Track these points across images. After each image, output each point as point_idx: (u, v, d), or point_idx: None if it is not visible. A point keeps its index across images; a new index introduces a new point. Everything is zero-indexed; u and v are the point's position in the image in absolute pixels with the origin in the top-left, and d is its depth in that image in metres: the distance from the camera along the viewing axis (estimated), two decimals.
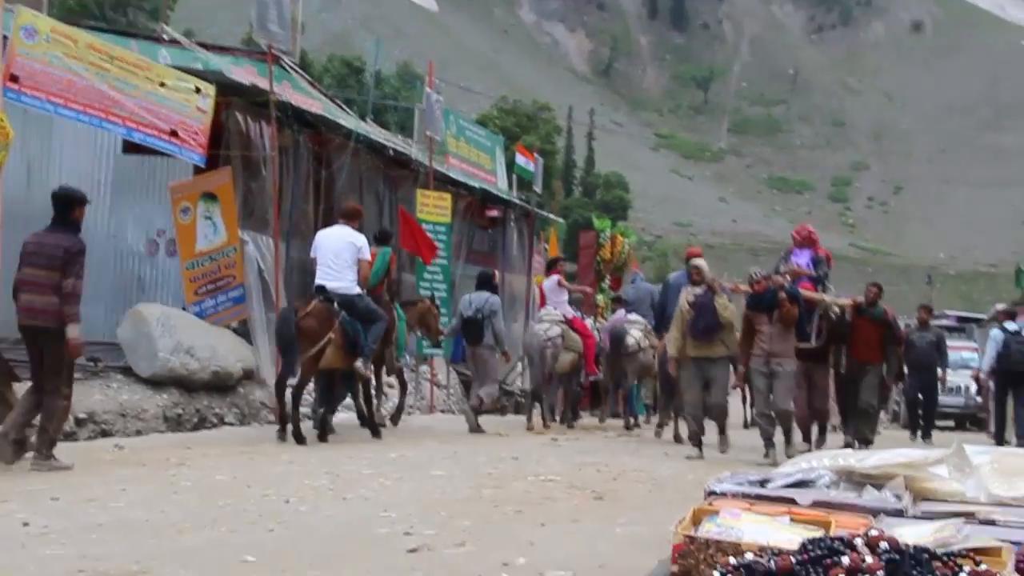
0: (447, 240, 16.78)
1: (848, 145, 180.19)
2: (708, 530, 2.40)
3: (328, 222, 15.12)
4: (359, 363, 11.13)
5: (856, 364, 12.84)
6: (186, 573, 4.67)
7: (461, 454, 10.21)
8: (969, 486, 3.00)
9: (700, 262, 11.94)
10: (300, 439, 10.37)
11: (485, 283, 14.02)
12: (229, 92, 13.26)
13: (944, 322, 34.77)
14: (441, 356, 17.18)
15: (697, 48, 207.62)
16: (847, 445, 12.53)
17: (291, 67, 17.20)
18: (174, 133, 11.91)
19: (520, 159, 22.92)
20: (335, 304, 10.88)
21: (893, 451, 3.09)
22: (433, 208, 16.49)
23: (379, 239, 12.30)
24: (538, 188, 24.61)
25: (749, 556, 2.00)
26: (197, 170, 12.83)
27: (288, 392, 10.69)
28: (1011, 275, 38.65)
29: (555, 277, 15.09)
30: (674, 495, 7.74)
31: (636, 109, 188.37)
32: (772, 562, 1.95)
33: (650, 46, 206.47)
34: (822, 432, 12.94)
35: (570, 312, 15.01)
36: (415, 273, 16.72)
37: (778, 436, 11.47)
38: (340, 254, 11.06)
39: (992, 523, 2.58)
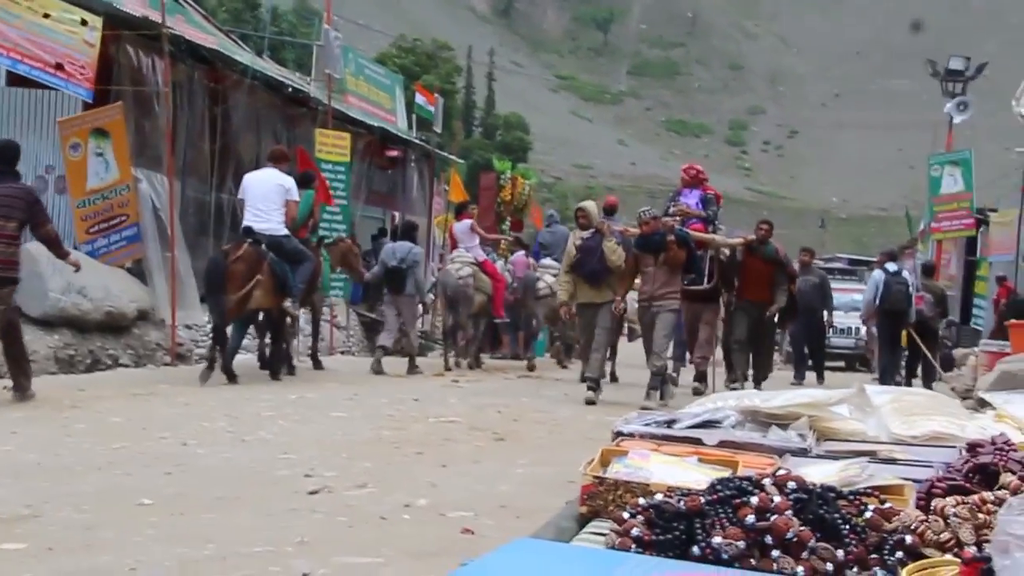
0: (346, 181, 16.57)
1: (745, 89, 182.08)
2: (617, 471, 2.39)
3: (224, 160, 14.84)
4: (288, 303, 11.39)
5: (747, 303, 12.70)
6: (80, 517, 4.56)
7: (362, 396, 10.15)
8: (870, 425, 3.05)
9: (587, 204, 11.83)
10: (231, 377, 10.61)
11: (409, 233, 14.44)
12: (119, 25, 12.87)
13: (836, 265, 35.51)
14: (341, 297, 17.10)
15: None
16: (732, 383, 12.52)
17: (184, 0, 16.78)
18: (59, 66, 11.49)
19: (420, 99, 22.71)
20: (263, 246, 11.02)
21: (797, 391, 3.14)
22: (332, 148, 16.25)
23: (302, 182, 12.23)
24: (438, 128, 24.46)
25: (658, 497, 1.99)
26: (86, 105, 12.43)
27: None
28: (901, 218, 39.55)
29: (468, 222, 15.33)
30: (574, 436, 7.80)
31: (536, 50, 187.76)
32: (681, 503, 1.95)
33: None
34: (702, 364, 12.73)
35: (481, 255, 15.19)
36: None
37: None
38: (268, 196, 11.22)
39: (893, 461, 2.62)
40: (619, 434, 2.80)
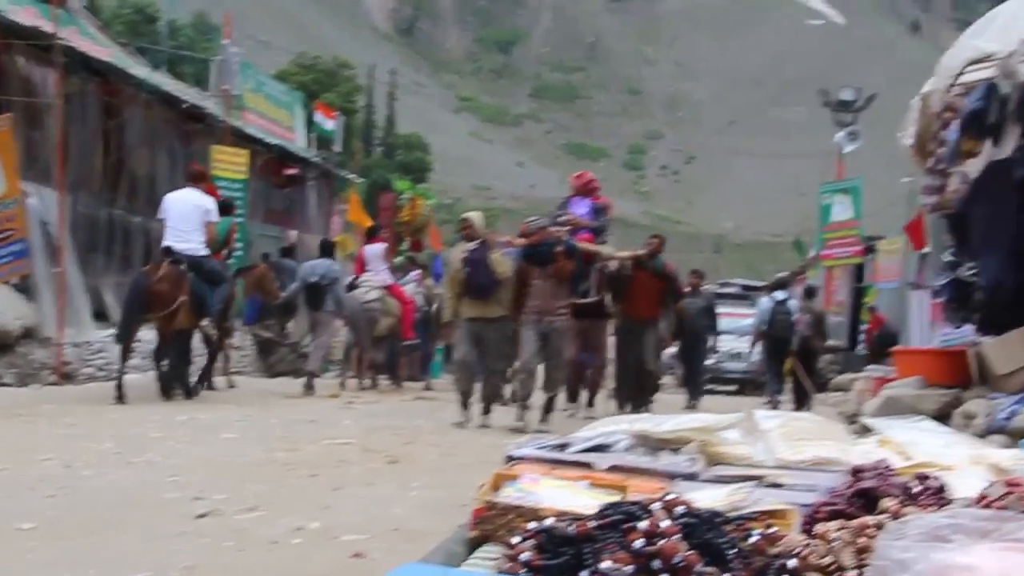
0: (243, 198, 16.40)
1: (644, 114, 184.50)
2: (508, 495, 2.40)
3: (118, 175, 14.59)
4: (206, 323, 11.81)
5: (633, 321, 12.11)
6: None
7: (254, 417, 10.02)
8: (758, 450, 3.10)
9: (472, 215, 11.18)
10: (122, 399, 10.53)
11: (327, 250, 14.65)
12: (9, 34, 12.64)
13: (730, 290, 36.08)
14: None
15: (500, 11, 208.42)
16: (619, 407, 12.04)
17: (78, 11, 16.49)
18: None
19: (319, 117, 22.61)
20: (183, 266, 11.09)
21: (688, 416, 3.17)
22: (229, 164, 16.09)
23: (223, 209, 12.24)
24: (338, 147, 24.37)
25: (548, 521, 2.00)
26: None
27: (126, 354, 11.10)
28: (792, 245, 40.35)
29: (382, 245, 15.74)
30: (468, 459, 7.78)
31: (438, 70, 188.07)
32: (571, 527, 1.95)
33: (453, 7, 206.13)
34: (592, 394, 12.46)
35: (389, 279, 15.23)
36: None
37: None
38: (188, 217, 11.29)
39: (779, 486, 2.67)
40: (511, 458, 2.80)
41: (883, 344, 18.25)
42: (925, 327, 15.68)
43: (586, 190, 12.32)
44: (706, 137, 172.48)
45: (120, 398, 10.48)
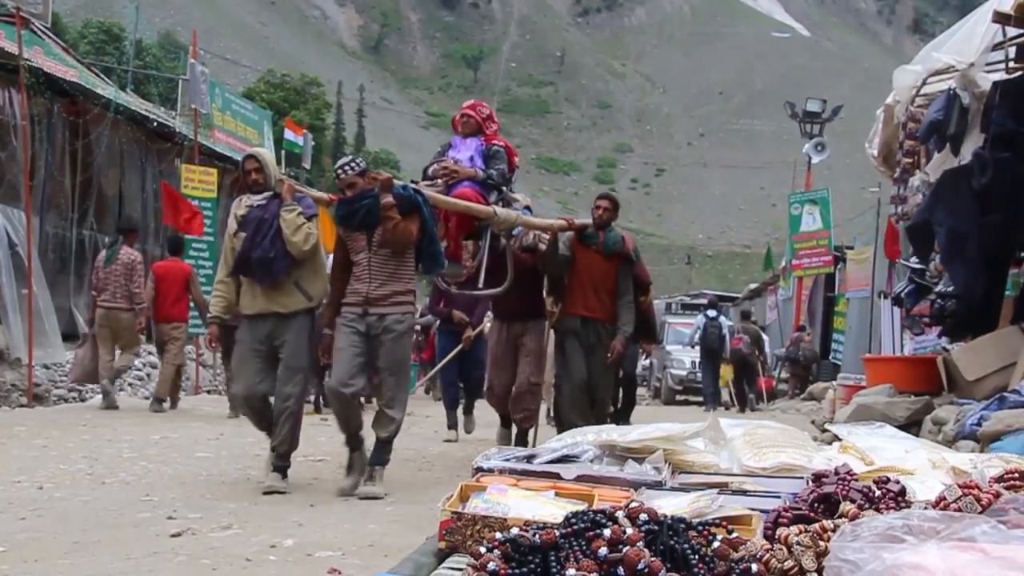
0: (213, 216, 16.38)
1: (613, 127, 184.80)
2: (475, 506, 2.44)
3: (86, 195, 14.59)
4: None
5: (578, 322, 8.65)
6: None
7: (227, 435, 10.00)
8: (723, 458, 3.15)
9: (260, 151, 7.81)
10: None
11: None
12: None
13: (702, 301, 36.24)
14: (203, 334, 16.85)
15: (467, 27, 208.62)
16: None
17: (43, 31, 16.44)
18: None
19: (289, 134, 22.61)
20: None
21: (653, 425, 3.22)
22: (198, 183, 16.06)
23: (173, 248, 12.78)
24: (307, 164, 24.35)
25: (515, 531, 2.03)
26: None
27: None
28: (763, 255, 40.58)
29: None
30: (443, 473, 7.81)
31: (406, 87, 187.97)
32: (537, 536, 1.99)
33: (420, 23, 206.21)
34: (526, 421, 9.06)
35: None
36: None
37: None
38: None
39: (744, 493, 2.71)
40: (479, 469, 2.84)
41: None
42: (896, 335, 15.81)
43: (471, 127, 8.68)
44: (676, 150, 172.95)
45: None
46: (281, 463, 6.98)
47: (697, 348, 22.61)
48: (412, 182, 7.70)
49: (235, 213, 7.23)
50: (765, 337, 24.91)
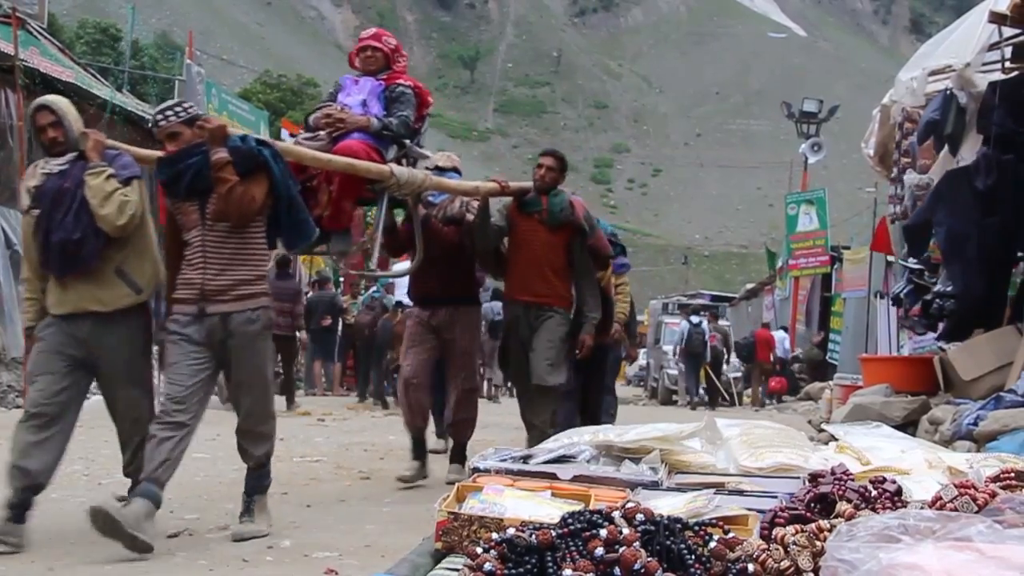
0: None
1: (610, 128, 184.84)
2: (472, 506, 2.44)
3: None
4: None
5: (521, 307, 7.24)
6: None
7: (224, 436, 9.97)
8: (720, 458, 3.15)
9: (54, 98, 5.64)
10: None
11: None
12: None
13: (699, 301, 36.29)
14: None
15: (463, 27, 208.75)
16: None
17: (39, 32, 16.43)
18: None
19: (286, 135, 22.56)
20: None
21: (650, 426, 3.22)
22: None
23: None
24: None
25: (511, 531, 2.03)
26: None
27: None
28: (760, 255, 40.65)
29: None
30: (440, 474, 7.82)
31: None
32: (533, 536, 1.99)
33: (416, 24, 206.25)
34: (459, 448, 7.61)
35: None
36: None
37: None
38: None
39: (740, 493, 2.72)
40: (476, 470, 2.84)
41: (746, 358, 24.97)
42: (892, 335, 15.83)
43: (376, 63, 7.09)
44: (672, 150, 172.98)
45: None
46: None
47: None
48: (307, 128, 6.81)
49: (27, 185, 5.34)
50: (731, 337, 26.39)
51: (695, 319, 23.75)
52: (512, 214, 7.28)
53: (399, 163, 6.80)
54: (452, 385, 7.50)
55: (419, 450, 7.48)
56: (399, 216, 7.78)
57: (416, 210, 7.19)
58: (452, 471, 7.40)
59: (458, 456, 7.57)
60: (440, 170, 7.31)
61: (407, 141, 6.92)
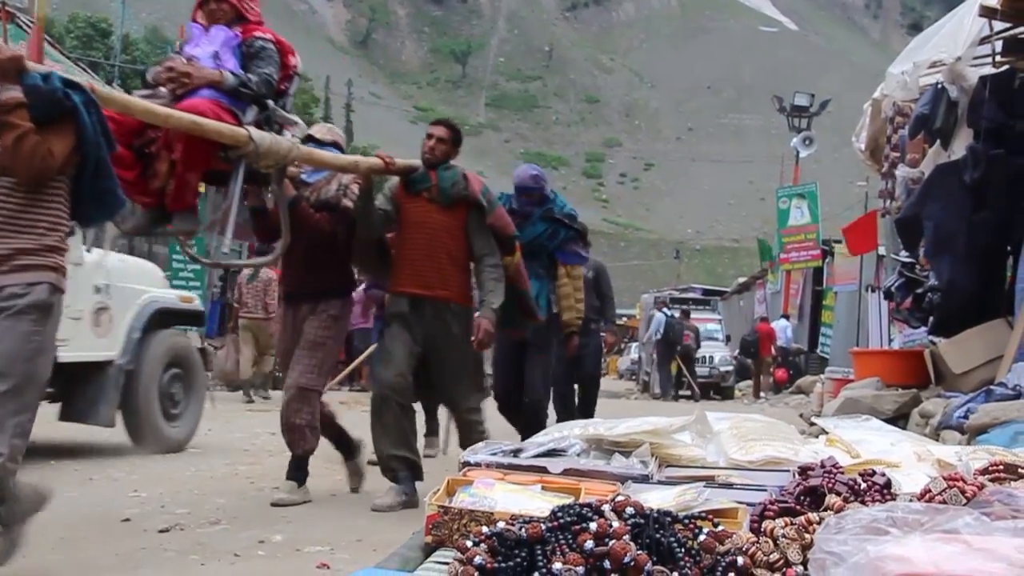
0: (203, 210, 16.41)
1: (601, 122, 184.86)
2: (462, 500, 2.44)
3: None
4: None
5: (407, 301, 6.19)
6: None
7: (216, 431, 9.99)
8: (710, 451, 3.16)
9: None
10: None
11: None
12: None
13: (691, 295, 36.33)
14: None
15: (455, 22, 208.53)
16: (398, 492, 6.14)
17: (29, 26, 16.37)
18: None
19: None
20: None
21: (640, 419, 3.22)
22: None
23: None
24: None
25: (501, 525, 2.04)
26: None
27: None
28: (752, 249, 40.70)
29: None
30: (434, 468, 7.81)
31: (395, 81, 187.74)
32: (523, 530, 2.00)
33: (408, 18, 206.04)
34: (295, 443, 6.28)
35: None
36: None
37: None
38: None
39: (730, 486, 2.72)
40: (466, 464, 2.85)
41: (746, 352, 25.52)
42: (883, 329, 15.86)
43: (218, 17, 5.78)
44: (664, 144, 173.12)
45: None
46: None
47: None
48: (144, 84, 5.64)
49: None
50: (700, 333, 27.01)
51: (668, 312, 24.94)
52: (399, 196, 6.33)
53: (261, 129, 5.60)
54: (288, 383, 6.28)
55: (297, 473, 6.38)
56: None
57: (282, 187, 5.98)
58: (284, 488, 6.22)
59: (293, 471, 6.28)
60: (317, 143, 6.32)
61: (270, 103, 5.71)
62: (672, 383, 24.43)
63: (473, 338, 6.17)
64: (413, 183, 6.29)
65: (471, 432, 6.36)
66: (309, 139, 6.30)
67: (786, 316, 26.59)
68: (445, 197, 6.22)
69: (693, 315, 28.32)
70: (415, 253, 6.21)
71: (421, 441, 7.74)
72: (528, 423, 7.20)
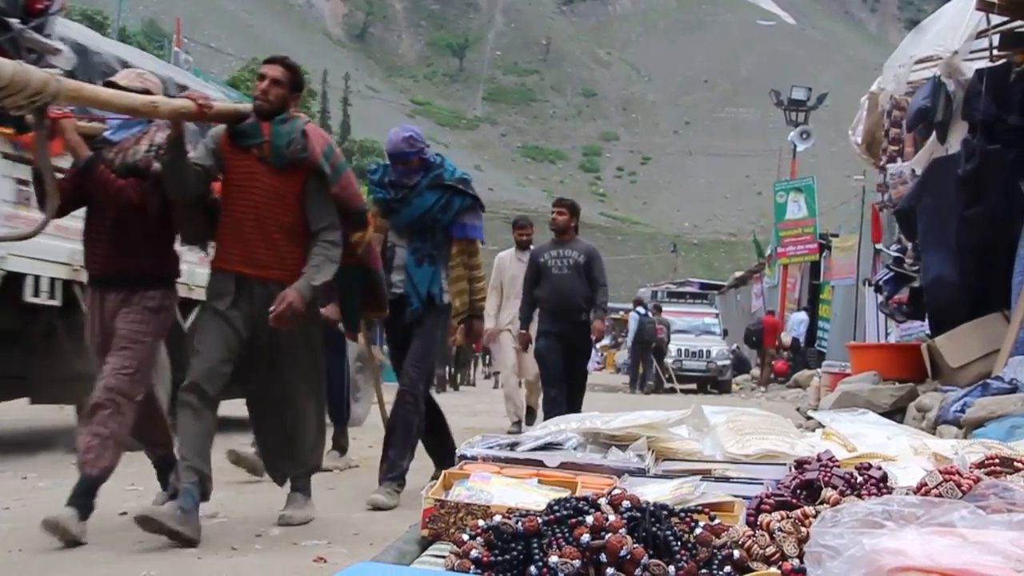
0: None
1: (599, 116, 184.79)
2: (458, 494, 2.44)
3: None
4: None
5: (233, 280, 5.13)
6: None
7: (222, 428, 9.98)
8: (706, 445, 3.16)
9: None
10: None
11: None
12: None
13: (688, 289, 36.31)
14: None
15: (452, 15, 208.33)
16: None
17: None
18: None
19: None
20: None
21: (636, 413, 3.23)
22: None
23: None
24: None
25: (497, 518, 2.04)
26: None
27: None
28: (749, 243, 40.72)
29: None
30: (428, 462, 7.82)
31: (392, 75, 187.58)
32: (520, 523, 2.00)
33: (405, 11, 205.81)
34: (89, 463, 5.02)
35: None
36: None
37: None
38: None
39: (726, 479, 2.72)
40: (463, 457, 2.84)
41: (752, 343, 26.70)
42: (880, 323, 15.89)
43: None
44: (661, 138, 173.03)
45: None
46: None
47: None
48: None
49: None
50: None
51: (641, 310, 25.98)
52: (223, 148, 5.15)
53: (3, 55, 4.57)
54: (99, 384, 5.00)
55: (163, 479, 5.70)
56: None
57: (43, 137, 4.66)
58: (161, 501, 5.52)
59: (74, 496, 4.95)
60: (123, 86, 4.99)
61: (15, 22, 4.57)
62: (644, 377, 25.55)
63: (271, 308, 4.94)
64: (241, 135, 5.10)
65: (302, 441, 5.54)
66: (111, 86, 5.00)
67: (805, 309, 26.51)
68: (278, 158, 5.07)
69: (690, 309, 29.71)
70: (242, 224, 5.09)
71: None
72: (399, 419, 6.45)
